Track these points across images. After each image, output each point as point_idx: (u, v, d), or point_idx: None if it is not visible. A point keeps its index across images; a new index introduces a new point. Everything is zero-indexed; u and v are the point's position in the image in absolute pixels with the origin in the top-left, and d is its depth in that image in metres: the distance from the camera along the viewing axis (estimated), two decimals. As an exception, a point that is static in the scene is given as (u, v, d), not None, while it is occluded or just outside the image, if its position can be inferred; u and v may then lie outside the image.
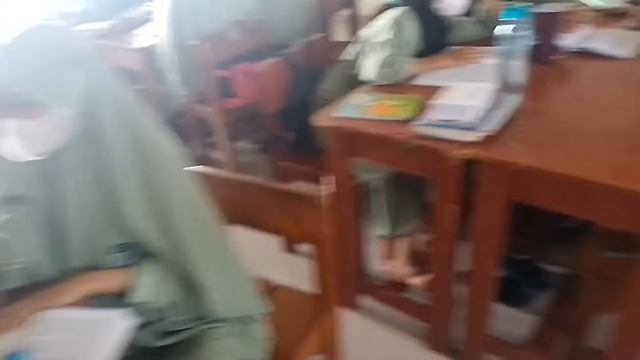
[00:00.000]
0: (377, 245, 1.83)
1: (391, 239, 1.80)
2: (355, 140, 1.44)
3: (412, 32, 1.67)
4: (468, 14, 1.90)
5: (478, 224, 1.28)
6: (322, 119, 1.48)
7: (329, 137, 1.51)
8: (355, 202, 1.61)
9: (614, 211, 1.03)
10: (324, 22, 2.78)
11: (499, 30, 1.32)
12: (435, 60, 1.68)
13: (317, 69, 1.94)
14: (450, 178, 1.26)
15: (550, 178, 1.06)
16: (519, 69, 1.35)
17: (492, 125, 1.22)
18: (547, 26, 1.53)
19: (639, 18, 1.78)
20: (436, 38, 1.77)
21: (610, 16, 1.91)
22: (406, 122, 1.34)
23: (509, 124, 1.25)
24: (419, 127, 1.28)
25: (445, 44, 1.84)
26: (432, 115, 1.28)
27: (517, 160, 1.11)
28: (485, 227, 1.27)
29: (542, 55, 1.58)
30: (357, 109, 1.48)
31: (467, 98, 1.25)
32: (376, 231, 1.79)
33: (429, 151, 1.25)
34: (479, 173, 1.21)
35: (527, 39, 1.30)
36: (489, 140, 1.19)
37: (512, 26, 1.29)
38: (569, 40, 1.67)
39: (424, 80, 1.62)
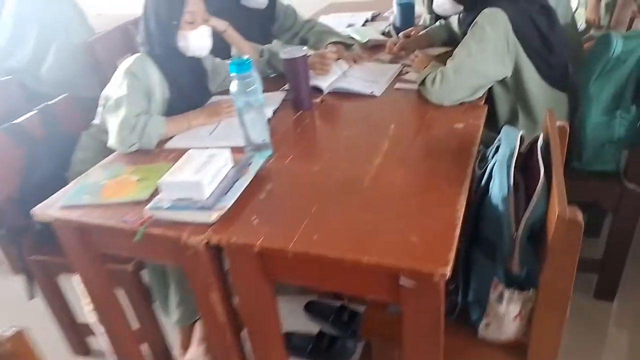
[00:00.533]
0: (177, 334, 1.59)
1: (185, 325, 1.55)
2: (89, 232, 1.16)
3: (155, 82, 1.45)
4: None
5: (244, 310, 1.09)
6: (43, 210, 1.16)
7: (59, 231, 1.20)
8: (115, 301, 1.31)
9: (355, 282, 0.93)
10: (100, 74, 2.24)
11: (232, 86, 1.17)
12: (188, 117, 1.48)
13: (70, 135, 1.60)
14: (200, 266, 1.05)
15: (289, 257, 0.92)
16: (261, 126, 1.21)
17: (230, 201, 1.04)
18: (298, 71, 1.44)
19: (393, 50, 1.82)
20: (193, 87, 1.57)
21: (367, 49, 1.95)
22: (145, 203, 1.10)
23: (251, 193, 1.09)
24: (153, 210, 1.05)
25: (208, 93, 1.66)
26: (165, 194, 1.06)
27: (255, 242, 0.94)
28: (253, 313, 1.08)
29: (300, 101, 1.50)
30: (89, 191, 1.20)
31: (201, 170, 1.05)
32: (170, 319, 1.55)
33: (167, 239, 1.03)
34: (227, 256, 1.02)
35: (257, 91, 1.17)
36: (227, 219, 1.02)
37: (239, 81, 1.15)
38: (327, 80, 1.62)
39: (177, 143, 1.41)
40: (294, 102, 1.51)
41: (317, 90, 1.60)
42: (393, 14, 2.16)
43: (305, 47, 1.47)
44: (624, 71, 1.43)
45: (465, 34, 1.52)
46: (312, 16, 2.51)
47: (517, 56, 1.42)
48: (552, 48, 1.44)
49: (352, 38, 2.01)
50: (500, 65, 1.41)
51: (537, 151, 0.98)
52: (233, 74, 1.15)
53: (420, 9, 2.13)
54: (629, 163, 1.50)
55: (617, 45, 1.43)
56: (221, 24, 1.72)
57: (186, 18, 1.43)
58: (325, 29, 2.04)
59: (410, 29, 1.98)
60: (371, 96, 1.54)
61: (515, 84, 1.47)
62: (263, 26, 2.01)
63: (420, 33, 1.90)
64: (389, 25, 2.16)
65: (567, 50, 1.55)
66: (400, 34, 1.96)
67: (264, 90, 1.25)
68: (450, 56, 1.44)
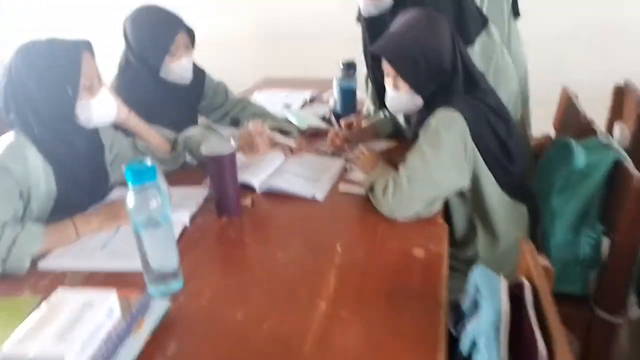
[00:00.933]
0: None
1: None
2: None
3: (37, 173, 1.13)
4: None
5: None
6: None
7: None
8: None
9: None
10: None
11: (128, 198, 0.87)
12: (76, 222, 1.14)
13: None
14: None
15: None
16: (167, 250, 0.92)
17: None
18: (224, 171, 1.18)
19: (334, 141, 1.61)
20: (88, 173, 1.26)
21: (306, 137, 1.73)
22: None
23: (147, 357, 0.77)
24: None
25: (107, 180, 1.34)
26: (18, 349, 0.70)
27: None
28: None
29: (226, 206, 1.22)
30: None
31: (68, 332, 0.72)
32: None
33: None
34: None
35: (162, 206, 0.88)
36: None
37: (136, 195, 0.86)
38: (259, 175, 1.37)
39: (55, 262, 1.06)
40: (218, 206, 1.23)
41: (247, 187, 1.34)
42: (333, 98, 2.00)
43: (232, 143, 1.20)
44: (588, 186, 1.31)
45: (415, 133, 1.35)
46: (245, 92, 2.30)
47: (475, 164, 1.26)
48: (511, 155, 1.30)
49: (290, 122, 1.80)
50: (458, 174, 1.24)
51: (527, 312, 0.76)
52: (129, 184, 0.85)
53: (362, 94, 1.99)
54: (598, 286, 1.36)
55: (579, 158, 1.33)
56: (121, 111, 1.36)
57: (83, 82, 1.16)
58: (259, 110, 1.82)
59: (351, 117, 1.81)
60: (312, 200, 1.30)
61: (473, 195, 1.30)
62: (188, 103, 1.75)
63: (364, 124, 1.72)
64: (329, 110, 1.98)
65: (525, 157, 1.43)
66: (342, 122, 1.78)
67: (181, 182, 0.96)
68: (397, 154, 1.28)
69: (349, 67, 1.87)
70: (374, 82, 1.83)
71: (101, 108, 1.21)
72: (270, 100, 2.07)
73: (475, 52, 1.59)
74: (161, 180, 0.93)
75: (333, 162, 1.52)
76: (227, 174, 1.18)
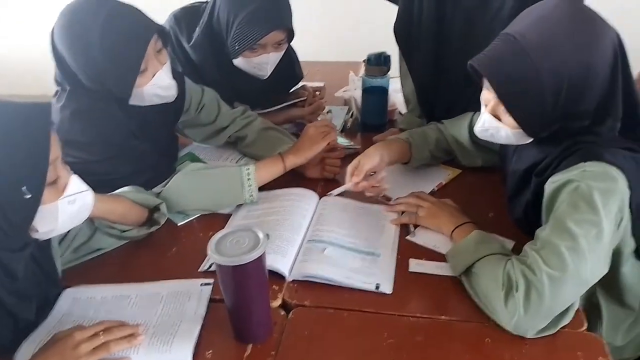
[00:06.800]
0: None
1: None
2: None
3: None
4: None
5: None
6: None
7: None
8: None
9: None
10: None
11: None
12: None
13: None
14: None
15: None
16: None
17: None
18: (247, 282, 0.71)
19: (372, 188, 1.13)
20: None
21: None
22: None
23: None
24: None
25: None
26: None
27: None
28: None
29: (251, 331, 0.76)
30: None
31: None
32: None
33: None
34: None
35: None
36: None
37: None
38: (288, 257, 0.90)
39: None
40: (237, 330, 0.77)
41: (275, 275, 0.88)
42: (354, 101, 1.51)
43: (261, 244, 0.72)
44: None
45: (517, 173, 0.92)
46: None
47: (623, 235, 0.84)
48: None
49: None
50: (608, 259, 0.82)
51: None
52: None
53: (396, 97, 1.50)
54: None
55: None
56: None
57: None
58: (269, 125, 1.32)
59: (386, 132, 1.35)
60: (377, 294, 0.86)
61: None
62: (166, 127, 1.24)
63: (397, 138, 1.19)
64: (349, 116, 1.50)
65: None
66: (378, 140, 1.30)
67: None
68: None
69: (381, 61, 1.37)
70: (418, 86, 1.35)
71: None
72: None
73: None
74: None
75: (381, 216, 1.05)
76: (252, 287, 0.72)
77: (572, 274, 0.76)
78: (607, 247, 0.80)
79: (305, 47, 1.58)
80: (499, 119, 0.88)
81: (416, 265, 0.92)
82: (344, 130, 1.45)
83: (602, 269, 0.81)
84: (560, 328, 0.78)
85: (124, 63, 0.97)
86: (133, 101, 1.02)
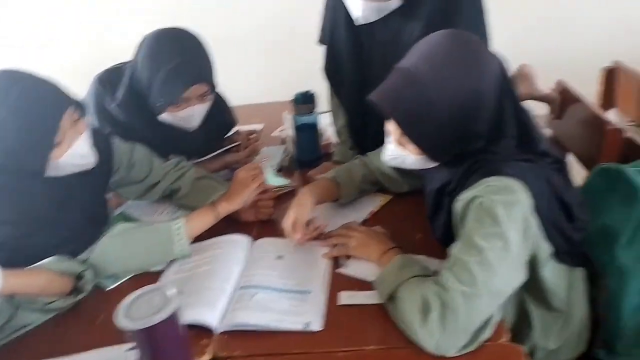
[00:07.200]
0: None
1: None
2: None
3: None
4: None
5: None
6: None
7: None
8: None
9: None
10: None
11: None
12: None
13: None
14: None
15: None
16: None
17: None
18: (160, 346, 0.70)
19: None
20: None
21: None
22: None
23: None
24: None
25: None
26: None
27: None
28: None
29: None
30: None
31: None
32: None
33: None
34: None
35: None
36: None
37: None
38: (214, 306, 0.90)
39: None
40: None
41: (199, 328, 0.87)
42: (288, 136, 1.55)
43: (170, 302, 0.71)
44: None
45: (434, 196, 0.96)
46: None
47: (535, 243, 0.87)
48: (574, 219, 0.92)
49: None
50: (521, 268, 0.85)
51: None
52: None
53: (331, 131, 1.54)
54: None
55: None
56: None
57: None
58: (202, 174, 1.33)
59: (322, 166, 1.38)
60: (307, 333, 0.86)
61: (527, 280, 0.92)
62: (94, 190, 1.23)
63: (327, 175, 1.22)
64: (285, 155, 1.53)
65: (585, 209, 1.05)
66: (313, 176, 1.33)
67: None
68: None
69: (306, 100, 1.42)
70: (349, 119, 1.41)
71: None
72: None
73: None
74: None
75: (314, 252, 1.07)
76: (168, 347, 0.71)
77: (484, 288, 0.78)
78: (517, 256, 0.83)
79: (244, 90, 1.63)
80: (405, 147, 0.91)
81: (346, 297, 0.93)
82: (282, 169, 1.48)
83: (517, 278, 0.84)
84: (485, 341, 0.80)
85: (37, 139, 0.97)
86: (50, 173, 1.02)
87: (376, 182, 1.23)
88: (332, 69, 1.38)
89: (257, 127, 1.77)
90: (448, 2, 1.15)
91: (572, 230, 0.94)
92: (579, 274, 1.02)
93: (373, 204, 1.21)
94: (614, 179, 1.06)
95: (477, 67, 0.83)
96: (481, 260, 0.78)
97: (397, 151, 0.92)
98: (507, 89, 0.85)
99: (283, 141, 1.62)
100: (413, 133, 0.87)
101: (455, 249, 0.82)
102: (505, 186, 0.82)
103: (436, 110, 0.82)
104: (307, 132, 1.45)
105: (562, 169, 0.94)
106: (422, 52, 0.86)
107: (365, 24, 1.21)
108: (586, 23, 2.50)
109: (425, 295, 0.79)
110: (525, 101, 1.75)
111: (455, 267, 0.80)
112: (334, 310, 0.91)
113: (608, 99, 1.94)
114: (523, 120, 0.88)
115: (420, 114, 0.83)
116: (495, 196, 0.81)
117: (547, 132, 1.72)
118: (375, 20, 1.19)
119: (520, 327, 0.99)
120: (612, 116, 1.86)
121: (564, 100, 1.64)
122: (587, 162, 1.46)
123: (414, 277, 0.86)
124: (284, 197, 1.28)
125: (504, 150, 0.88)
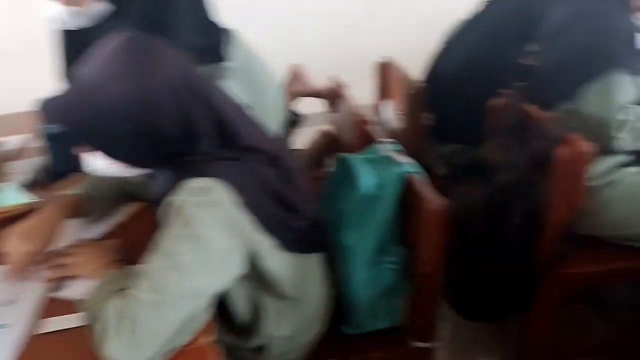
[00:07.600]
0: None
1: None
2: None
3: None
4: None
5: None
6: None
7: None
8: None
9: None
10: None
11: None
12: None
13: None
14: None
15: None
16: None
17: None
18: None
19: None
20: None
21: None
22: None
23: None
24: None
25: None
26: None
27: None
28: None
29: None
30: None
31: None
32: None
33: None
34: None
35: None
36: None
37: None
38: None
39: None
40: None
41: None
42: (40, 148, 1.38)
43: None
44: (382, 210, 1.07)
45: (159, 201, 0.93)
46: None
47: (250, 236, 0.89)
48: (291, 205, 0.96)
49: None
50: (229, 263, 0.85)
51: None
52: None
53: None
54: (409, 316, 1.17)
55: (364, 181, 1.06)
56: None
57: None
58: None
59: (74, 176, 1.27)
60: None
61: (252, 272, 0.94)
62: None
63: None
64: (38, 168, 1.37)
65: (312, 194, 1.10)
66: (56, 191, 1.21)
67: None
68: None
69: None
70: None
71: None
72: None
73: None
74: None
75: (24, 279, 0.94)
76: None
77: (177, 293, 0.77)
78: (221, 255, 0.83)
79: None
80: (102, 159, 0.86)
81: (53, 323, 0.85)
82: (36, 184, 1.33)
83: (221, 277, 0.85)
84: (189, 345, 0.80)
85: None
86: None
87: (129, 193, 1.17)
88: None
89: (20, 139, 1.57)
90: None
91: (295, 220, 0.98)
92: (314, 259, 1.08)
93: (120, 215, 1.15)
94: (346, 167, 1.15)
95: (147, 67, 0.80)
96: (172, 264, 0.78)
97: (101, 164, 0.87)
98: (193, 89, 0.84)
99: (34, 154, 1.46)
100: (89, 141, 0.82)
101: (146, 257, 0.80)
102: (203, 187, 0.82)
103: (111, 116, 0.79)
104: (59, 142, 1.32)
105: (278, 163, 0.97)
106: (94, 57, 0.82)
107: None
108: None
109: (107, 311, 0.76)
110: (300, 99, 1.84)
111: (138, 276, 0.78)
112: (41, 340, 0.83)
113: (385, 92, 2.13)
114: (220, 118, 0.88)
115: (93, 123, 0.79)
116: (190, 198, 0.81)
117: (325, 127, 1.83)
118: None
119: (255, 321, 1.01)
120: (387, 107, 2.05)
121: (335, 95, 1.76)
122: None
123: (120, 290, 0.82)
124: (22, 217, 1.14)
125: (207, 150, 0.87)
